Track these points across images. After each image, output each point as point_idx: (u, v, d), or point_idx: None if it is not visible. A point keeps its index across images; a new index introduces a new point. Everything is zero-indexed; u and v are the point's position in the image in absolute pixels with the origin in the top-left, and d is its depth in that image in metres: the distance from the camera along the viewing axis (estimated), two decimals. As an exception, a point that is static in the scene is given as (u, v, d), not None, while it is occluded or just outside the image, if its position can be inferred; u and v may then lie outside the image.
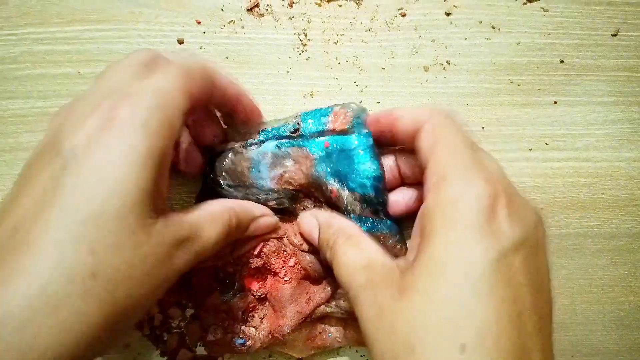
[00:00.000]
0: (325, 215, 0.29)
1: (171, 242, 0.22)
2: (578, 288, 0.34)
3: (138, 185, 0.20)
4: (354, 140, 0.29)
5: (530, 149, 0.35)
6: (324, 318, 0.31)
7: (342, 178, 0.29)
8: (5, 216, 0.20)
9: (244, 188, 0.29)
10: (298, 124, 0.30)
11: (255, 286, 0.31)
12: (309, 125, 0.29)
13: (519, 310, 0.20)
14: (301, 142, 0.29)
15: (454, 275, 0.20)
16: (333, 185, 0.29)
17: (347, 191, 0.28)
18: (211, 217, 0.25)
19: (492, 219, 0.21)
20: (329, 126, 0.29)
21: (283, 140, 0.29)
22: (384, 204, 0.29)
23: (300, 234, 0.30)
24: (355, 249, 0.25)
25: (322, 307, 0.30)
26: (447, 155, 0.23)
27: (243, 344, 0.30)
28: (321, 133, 0.29)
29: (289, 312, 0.30)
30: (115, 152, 0.20)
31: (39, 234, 0.19)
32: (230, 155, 0.29)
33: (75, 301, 0.18)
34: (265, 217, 0.30)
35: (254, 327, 0.31)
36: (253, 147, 0.30)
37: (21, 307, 0.17)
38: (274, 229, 0.30)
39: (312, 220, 0.29)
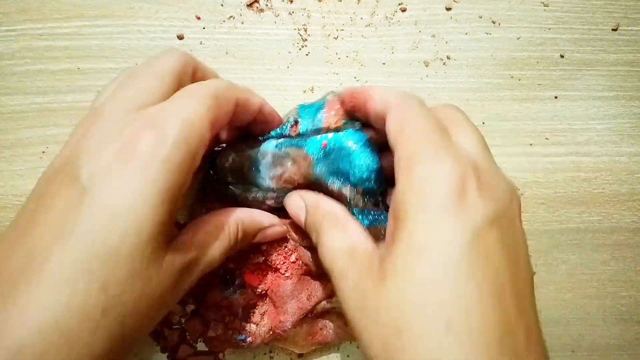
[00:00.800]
0: (312, 197, 0.28)
1: (179, 269, 0.23)
2: (579, 283, 0.34)
3: (154, 221, 0.20)
4: (348, 137, 0.28)
5: (531, 144, 0.35)
6: (325, 314, 0.31)
7: (342, 175, 0.28)
8: (23, 238, 0.20)
9: (245, 186, 0.29)
10: (296, 120, 0.29)
11: (255, 282, 0.31)
12: (306, 123, 0.29)
13: (500, 286, 0.20)
14: (299, 142, 0.29)
15: (433, 256, 0.20)
16: (334, 184, 0.28)
17: (348, 187, 0.28)
18: (218, 232, 0.25)
19: (464, 197, 0.20)
20: (324, 124, 0.29)
21: (282, 140, 0.29)
22: (385, 193, 0.29)
23: (292, 223, 0.30)
24: (340, 233, 0.25)
25: (323, 302, 0.30)
26: (414, 137, 0.23)
27: (244, 340, 0.30)
28: (317, 131, 0.29)
29: (289, 308, 0.30)
30: (133, 187, 0.20)
31: (53, 268, 0.19)
32: (231, 153, 0.29)
33: (87, 337, 0.19)
34: (274, 227, 0.29)
35: (254, 323, 0.31)
36: (254, 146, 0.29)
37: (36, 339, 0.18)
38: (282, 238, 0.30)
39: (300, 201, 0.28)
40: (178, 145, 0.21)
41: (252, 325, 0.31)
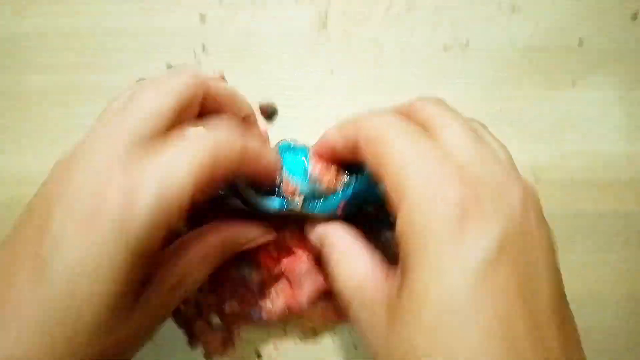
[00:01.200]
0: (319, 230, 0.28)
1: (156, 308, 0.23)
2: (593, 269, 0.34)
3: (121, 283, 0.20)
4: (356, 183, 0.27)
5: (548, 130, 0.35)
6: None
7: (365, 204, 0.28)
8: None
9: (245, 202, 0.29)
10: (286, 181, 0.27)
11: (271, 263, 0.31)
12: (304, 186, 0.27)
13: (511, 325, 0.18)
14: (309, 211, 0.27)
15: (436, 303, 0.19)
16: (358, 216, 0.28)
17: (373, 208, 0.28)
18: (200, 258, 0.25)
19: (465, 224, 0.19)
20: (325, 182, 0.27)
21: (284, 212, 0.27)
22: None
23: None
24: (347, 267, 0.24)
25: (339, 280, 0.30)
26: (396, 170, 0.21)
27: (259, 317, 0.31)
28: (323, 194, 0.27)
29: (306, 287, 0.30)
30: (98, 249, 0.20)
31: (18, 323, 0.19)
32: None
33: None
34: (263, 237, 0.29)
35: (270, 300, 0.31)
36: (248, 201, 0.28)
37: None
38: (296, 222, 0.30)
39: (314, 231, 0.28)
40: (147, 211, 0.20)
41: (267, 302, 0.31)
